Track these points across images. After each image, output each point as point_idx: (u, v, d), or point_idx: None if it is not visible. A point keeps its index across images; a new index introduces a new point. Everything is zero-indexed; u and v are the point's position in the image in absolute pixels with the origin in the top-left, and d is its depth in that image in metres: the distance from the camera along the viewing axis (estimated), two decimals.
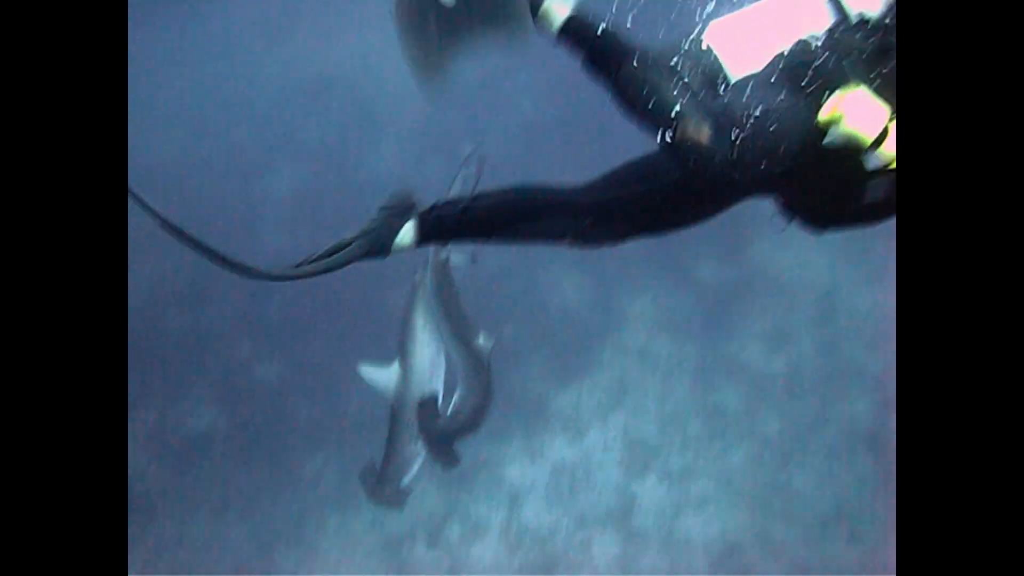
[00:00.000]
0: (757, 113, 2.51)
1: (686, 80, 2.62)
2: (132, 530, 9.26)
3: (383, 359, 5.15)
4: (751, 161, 2.56)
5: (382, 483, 4.89)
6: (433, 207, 3.13)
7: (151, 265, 12.03)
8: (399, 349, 4.44)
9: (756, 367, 10.61)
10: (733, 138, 2.54)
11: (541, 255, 11.87)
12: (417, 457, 4.73)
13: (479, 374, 4.57)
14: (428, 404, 4.48)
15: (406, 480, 4.83)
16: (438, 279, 4.45)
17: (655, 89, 2.62)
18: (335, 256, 3.12)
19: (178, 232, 2.83)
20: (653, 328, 11.25)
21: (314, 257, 3.16)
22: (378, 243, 3.10)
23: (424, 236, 3.11)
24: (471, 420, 4.57)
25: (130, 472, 9.77)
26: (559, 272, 11.89)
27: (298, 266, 3.13)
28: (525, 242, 3.19)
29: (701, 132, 2.54)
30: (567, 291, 11.75)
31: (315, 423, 10.07)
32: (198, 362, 10.95)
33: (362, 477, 5.09)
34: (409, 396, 4.42)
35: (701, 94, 2.61)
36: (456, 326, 4.63)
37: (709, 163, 2.58)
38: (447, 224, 3.11)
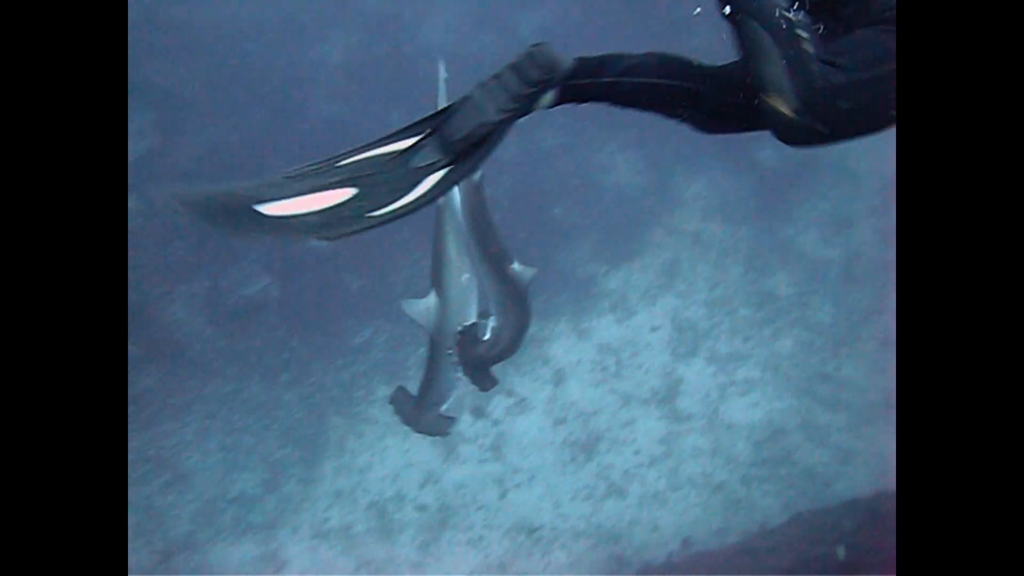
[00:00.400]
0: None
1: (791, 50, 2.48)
2: (192, 386, 9.61)
3: (422, 293, 4.96)
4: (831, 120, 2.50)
5: (421, 409, 4.83)
6: (575, 72, 2.80)
7: (205, 136, 12.05)
8: (433, 279, 4.25)
9: (812, 253, 10.38)
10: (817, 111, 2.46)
11: (597, 134, 11.59)
12: (456, 383, 4.63)
13: (516, 302, 4.39)
14: (466, 332, 4.33)
15: (445, 406, 4.76)
16: (471, 204, 4.15)
17: (760, 51, 2.49)
18: (473, 124, 2.49)
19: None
20: (708, 211, 11.01)
21: (439, 117, 2.57)
22: (523, 109, 2.60)
23: (563, 101, 2.83)
24: (509, 346, 4.45)
25: (189, 333, 10.05)
26: (614, 152, 11.61)
27: (446, 142, 2.53)
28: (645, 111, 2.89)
29: (787, 106, 2.46)
30: (622, 171, 11.50)
31: (365, 293, 10.17)
32: None
33: (395, 403, 5.00)
34: (446, 325, 4.26)
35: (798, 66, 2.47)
36: (490, 253, 4.40)
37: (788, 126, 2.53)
38: (589, 92, 2.84)
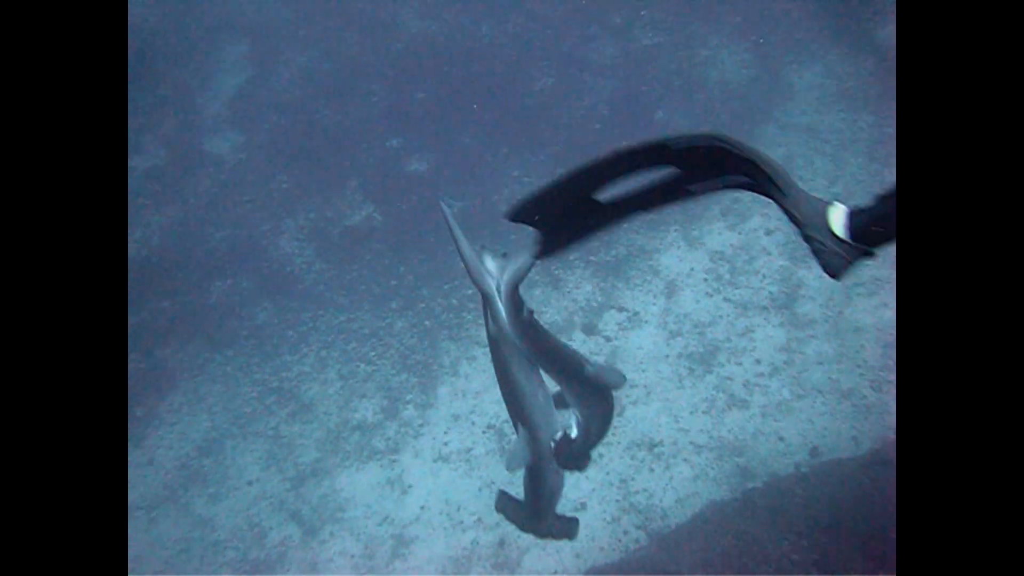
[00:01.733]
0: None
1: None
2: (306, 318, 9.79)
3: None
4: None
5: (539, 519, 4.66)
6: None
7: (298, 64, 11.96)
8: (513, 415, 4.04)
9: None
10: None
11: (698, 29, 10.92)
12: (562, 484, 4.45)
13: (597, 394, 4.18)
14: (560, 442, 4.12)
15: (557, 506, 4.58)
16: (530, 334, 3.94)
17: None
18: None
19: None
20: (824, 101, 10.29)
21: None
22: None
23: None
24: (600, 434, 4.25)
25: (298, 265, 10.20)
26: (717, 46, 10.92)
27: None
28: None
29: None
30: (727, 66, 10.83)
31: (467, 216, 10.03)
32: (351, 157, 11.03)
33: (504, 512, 4.81)
34: (542, 447, 4.07)
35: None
36: (563, 367, 4.18)
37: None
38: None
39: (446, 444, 8.65)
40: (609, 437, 8.33)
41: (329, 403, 9.16)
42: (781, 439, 8.12)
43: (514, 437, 4.09)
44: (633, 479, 8.08)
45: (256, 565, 8.14)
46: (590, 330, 9.14)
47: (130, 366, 9.38)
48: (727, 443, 8.18)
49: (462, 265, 3.75)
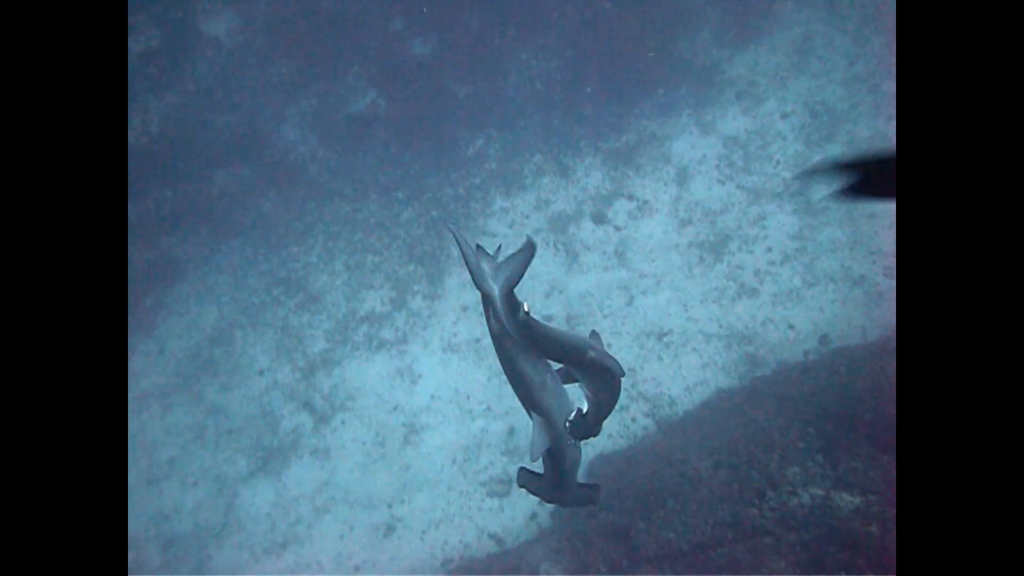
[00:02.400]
0: None
1: None
2: (311, 208, 9.66)
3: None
4: None
5: (562, 490, 4.63)
6: None
7: None
8: (526, 404, 4.16)
9: None
10: None
11: None
12: (579, 456, 4.48)
13: (604, 371, 4.20)
14: (576, 419, 4.17)
15: (579, 476, 4.62)
16: (527, 333, 4.02)
17: None
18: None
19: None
20: None
21: None
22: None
23: None
24: (610, 404, 4.22)
25: (302, 154, 10.00)
26: None
27: None
28: None
29: None
30: None
31: (474, 101, 9.74)
32: (353, 41, 10.63)
33: (527, 487, 4.83)
34: (558, 429, 4.05)
35: None
36: (565, 357, 4.26)
37: None
38: None
39: (455, 335, 8.66)
40: (618, 327, 8.33)
41: (337, 294, 9.14)
42: (791, 327, 8.09)
43: (525, 419, 4.18)
44: (642, 368, 8.11)
45: (270, 452, 8.30)
46: (599, 219, 9.00)
47: (136, 256, 9.34)
48: (736, 332, 8.16)
49: (466, 269, 3.92)
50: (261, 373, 8.76)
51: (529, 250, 3.87)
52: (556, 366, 4.23)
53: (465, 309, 8.78)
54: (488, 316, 3.99)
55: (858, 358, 7.48)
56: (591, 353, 4.16)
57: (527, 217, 9.18)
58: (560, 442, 4.20)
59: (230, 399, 8.66)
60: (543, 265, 8.83)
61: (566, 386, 4.23)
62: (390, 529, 7.72)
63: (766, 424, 7.06)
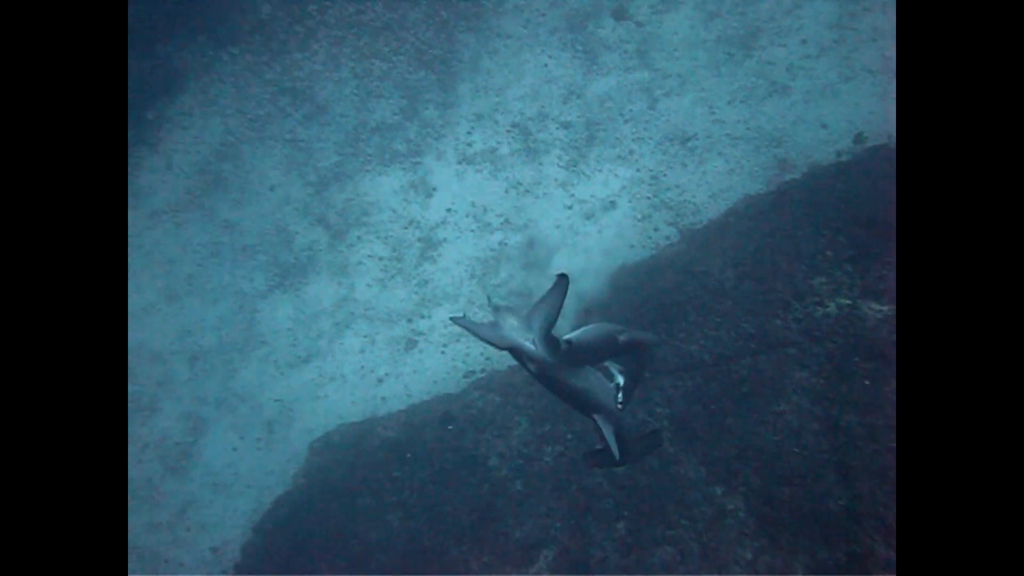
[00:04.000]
0: None
1: None
2: (312, 10, 9.05)
3: None
4: None
5: (631, 454, 4.67)
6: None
7: None
8: (588, 412, 4.37)
9: None
10: None
11: None
12: (630, 420, 4.66)
13: (639, 348, 4.53)
14: (622, 396, 4.43)
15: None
16: (572, 358, 4.13)
17: None
18: None
19: None
20: None
21: None
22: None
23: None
24: (641, 373, 4.63)
25: None
26: None
27: None
28: None
29: None
30: None
31: None
32: None
33: (596, 464, 4.97)
34: (619, 420, 4.43)
35: None
36: (604, 356, 4.49)
37: None
38: None
39: (470, 145, 8.29)
40: (640, 132, 7.92)
41: (345, 104, 8.72)
42: (824, 126, 7.64)
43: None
44: (665, 175, 7.77)
45: (287, 268, 8.22)
46: (620, 15, 8.34)
47: (134, 66, 8.86)
48: (765, 133, 7.73)
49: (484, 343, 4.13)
50: (272, 189, 8.53)
51: (561, 288, 3.97)
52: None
53: (479, 117, 8.35)
54: (523, 362, 4.08)
55: (893, 161, 7.09)
56: (621, 338, 4.35)
57: (543, 15, 8.53)
58: (620, 423, 4.39)
59: (243, 215, 8.48)
60: (560, 68, 8.30)
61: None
62: (411, 343, 7.74)
63: (794, 232, 6.80)
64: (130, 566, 7.23)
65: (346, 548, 6.56)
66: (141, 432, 7.69)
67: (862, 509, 5.36)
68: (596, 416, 4.34)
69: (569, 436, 6.34)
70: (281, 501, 7.27)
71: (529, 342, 4.00)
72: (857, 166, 7.32)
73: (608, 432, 4.34)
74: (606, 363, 4.49)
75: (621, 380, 4.42)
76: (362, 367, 7.76)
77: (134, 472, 7.54)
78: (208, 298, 8.22)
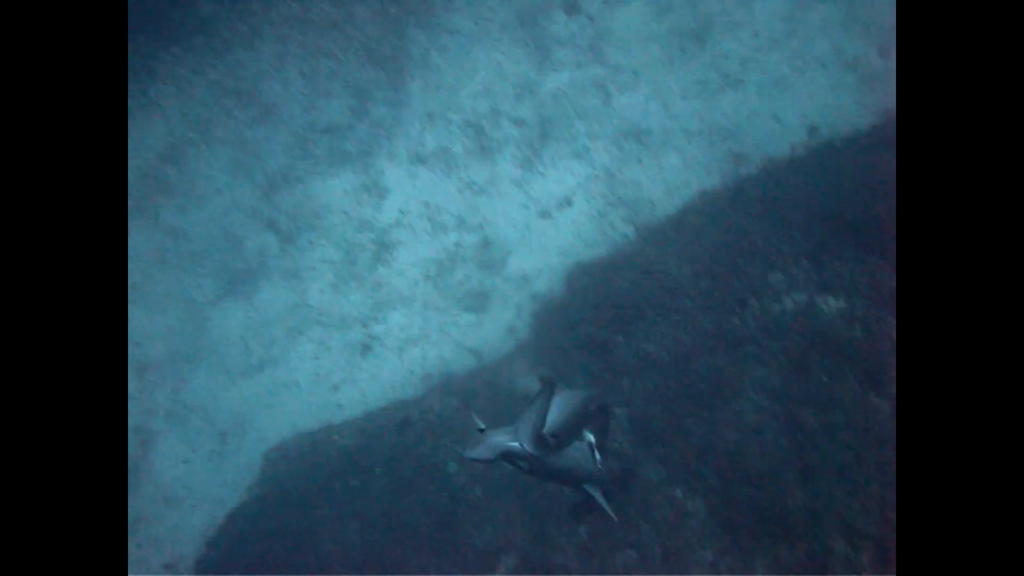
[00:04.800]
0: None
1: None
2: (254, 9, 8.83)
3: None
4: None
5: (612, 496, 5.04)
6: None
7: None
8: (583, 483, 4.80)
9: None
10: None
11: None
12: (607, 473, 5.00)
13: (604, 411, 4.91)
14: (598, 452, 4.75)
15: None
16: (559, 446, 4.52)
17: None
18: None
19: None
20: None
21: None
22: None
23: None
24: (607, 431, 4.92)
25: None
26: None
27: None
28: None
29: None
30: None
31: None
32: None
33: (586, 513, 5.31)
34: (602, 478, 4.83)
35: None
36: (582, 428, 4.78)
37: None
38: None
39: (422, 144, 8.14)
40: (595, 128, 7.85)
41: (292, 104, 8.50)
42: (778, 120, 7.61)
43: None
44: (620, 171, 7.70)
45: (236, 274, 8.02)
46: (572, 9, 8.22)
47: None
48: (720, 128, 7.68)
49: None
50: (219, 192, 8.30)
51: (547, 392, 4.37)
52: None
53: (431, 116, 8.19)
54: (515, 463, 4.41)
55: (848, 155, 7.09)
56: (591, 407, 4.71)
57: (493, 10, 8.37)
58: (603, 480, 4.78)
59: (189, 221, 8.25)
60: (512, 65, 8.17)
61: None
62: (366, 348, 7.59)
63: (749, 229, 6.77)
64: None
65: (304, 561, 6.41)
66: None
67: (821, 507, 5.35)
68: (586, 487, 4.70)
69: None
70: (236, 514, 7.09)
71: (518, 444, 4.34)
72: (812, 159, 7.31)
73: (599, 496, 4.72)
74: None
75: (591, 438, 4.70)
76: (317, 374, 7.59)
77: None
78: (155, 307, 7.99)
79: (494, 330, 7.41)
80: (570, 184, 7.73)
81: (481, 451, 4.37)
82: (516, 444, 4.31)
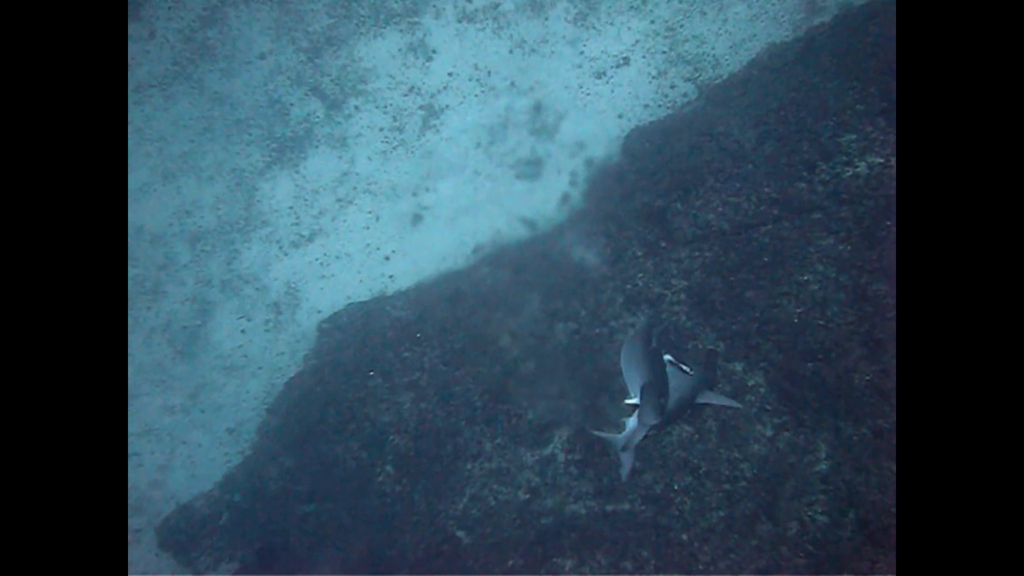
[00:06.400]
0: None
1: None
2: None
3: None
4: None
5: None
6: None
7: None
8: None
9: None
10: None
11: None
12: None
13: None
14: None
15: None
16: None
17: None
18: None
19: None
20: None
21: None
22: None
23: None
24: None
25: None
26: None
27: None
28: None
29: None
30: None
31: None
32: None
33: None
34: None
35: None
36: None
37: None
38: None
39: (471, 1, 7.65)
40: None
41: None
42: None
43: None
44: (682, 26, 7.17)
45: (283, 142, 7.82)
46: None
47: None
48: None
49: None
50: (263, 57, 8.00)
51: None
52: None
53: None
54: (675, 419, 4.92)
55: None
56: (701, 389, 4.96)
57: None
58: (708, 382, 5.11)
59: (233, 87, 8.00)
60: None
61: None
62: (417, 218, 7.41)
63: (820, 85, 6.26)
64: (148, 448, 7.25)
65: (359, 430, 6.47)
66: (147, 316, 7.53)
67: (889, 384, 5.11)
68: (699, 400, 4.93)
69: (583, 313, 6.08)
70: (293, 383, 7.17)
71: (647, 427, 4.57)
72: (892, 7, 6.66)
73: (719, 398, 5.08)
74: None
75: (669, 357, 4.85)
76: (368, 244, 7.47)
77: (144, 357, 7.44)
78: (204, 176, 7.88)
79: (547, 199, 7.14)
80: (627, 41, 7.24)
81: (629, 435, 4.59)
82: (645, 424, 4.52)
